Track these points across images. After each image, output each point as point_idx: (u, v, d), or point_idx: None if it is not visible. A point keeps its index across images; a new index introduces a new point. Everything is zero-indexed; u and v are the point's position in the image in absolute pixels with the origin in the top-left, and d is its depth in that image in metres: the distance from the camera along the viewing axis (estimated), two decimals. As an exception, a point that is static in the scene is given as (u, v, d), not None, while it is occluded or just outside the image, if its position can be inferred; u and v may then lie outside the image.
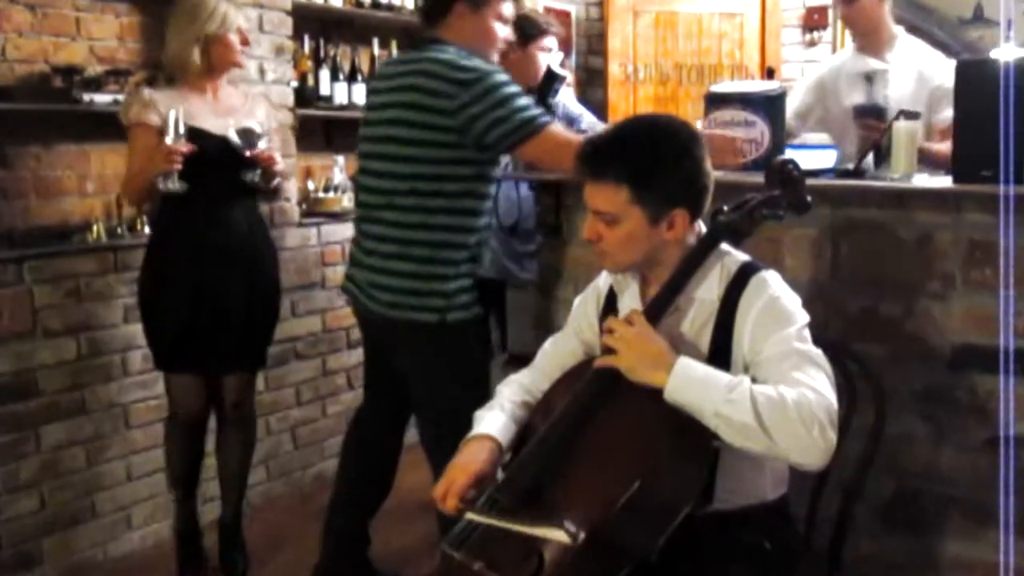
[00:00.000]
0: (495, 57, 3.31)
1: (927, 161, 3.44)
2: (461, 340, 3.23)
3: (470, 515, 2.17)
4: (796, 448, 2.03)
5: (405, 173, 3.15)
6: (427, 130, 3.09)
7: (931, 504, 3.01)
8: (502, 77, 3.09)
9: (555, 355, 2.57)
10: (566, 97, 4.46)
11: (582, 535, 1.99)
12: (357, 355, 5.13)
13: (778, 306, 2.21)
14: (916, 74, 4.13)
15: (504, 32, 3.32)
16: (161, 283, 3.75)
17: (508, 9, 3.30)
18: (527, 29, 4.11)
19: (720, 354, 2.23)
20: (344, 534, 3.65)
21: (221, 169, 3.70)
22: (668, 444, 2.13)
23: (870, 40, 4.27)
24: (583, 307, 2.59)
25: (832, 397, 2.09)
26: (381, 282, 3.24)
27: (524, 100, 3.09)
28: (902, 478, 3.03)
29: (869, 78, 4.20)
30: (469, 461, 2.31)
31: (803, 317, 2.22)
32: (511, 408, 2.45)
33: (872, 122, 3.64)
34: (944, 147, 3.60)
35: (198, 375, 3.85)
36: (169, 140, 3.49)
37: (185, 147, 3.50)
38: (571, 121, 4.26)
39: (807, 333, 2.21)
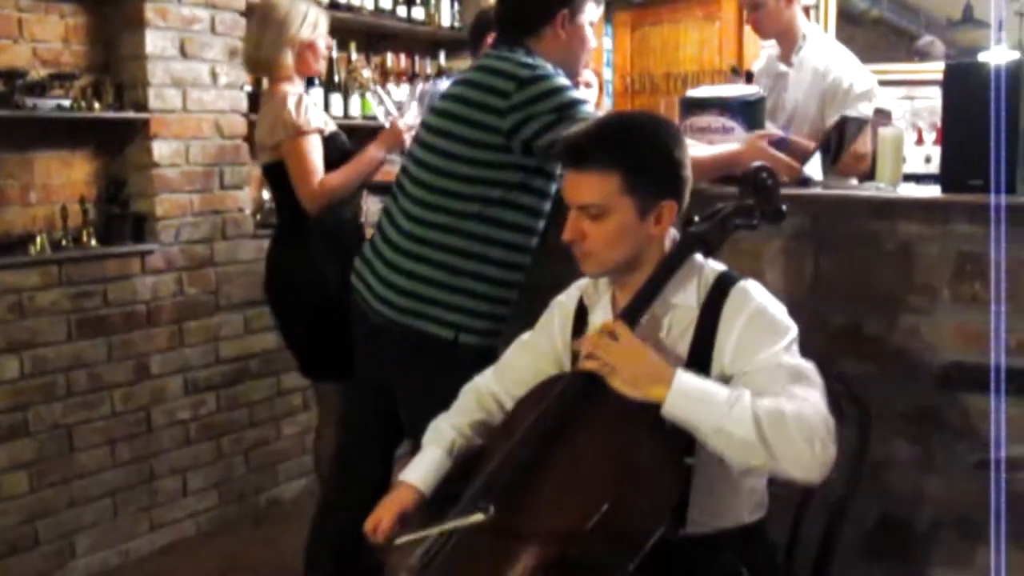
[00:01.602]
0: (582, 66, 3.26)
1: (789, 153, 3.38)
2: (470, 369, 2.86)
3: (397, 541, 2.29)
4: (797, 464, 2.03)
5: (445, 170, 3.02)
6: (473, 127, 2.98)
7: (919, 529, 3.03)
8: (565, 81, 2.99)
9: (517, 371, 2.57)
10: None
11: (492, 509, 2.07)
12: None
13: (765, 318, 2.22)
14: (811, 73, 4.21)
15: (593, 40, 3.21)
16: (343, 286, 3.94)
17: (595, 14, 3.18)
18: None
19: (697, 364, 2.23)
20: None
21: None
22: (638, 464, 2.12)
23: (780, 43, 4.35)
24: (545, 331, 2.57)
25: (828, 411, 2.10)
26: (397, 282, 3.07)
27: (589, 108, 2.97)
28: (888, 502, 3.05)
29: (775, 81, 4.33)
30: (395, 501, 2.44)
31: (792, 328, 2.23)
32: (452, 437, 2.51)
33: None
34: (808, 142, 3.66)
35: None
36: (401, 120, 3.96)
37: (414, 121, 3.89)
38: None
39: (796, 346, 2.22)
